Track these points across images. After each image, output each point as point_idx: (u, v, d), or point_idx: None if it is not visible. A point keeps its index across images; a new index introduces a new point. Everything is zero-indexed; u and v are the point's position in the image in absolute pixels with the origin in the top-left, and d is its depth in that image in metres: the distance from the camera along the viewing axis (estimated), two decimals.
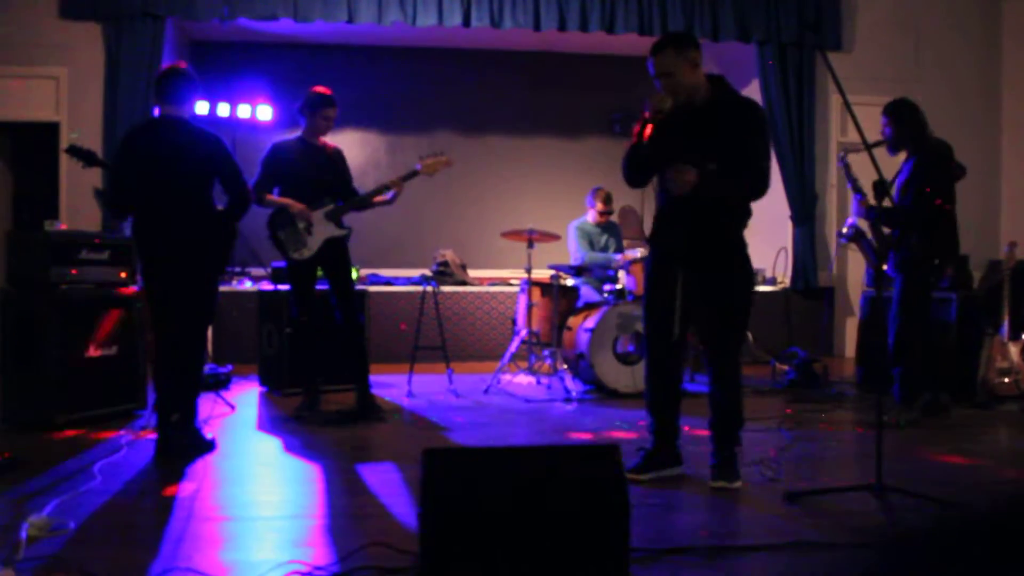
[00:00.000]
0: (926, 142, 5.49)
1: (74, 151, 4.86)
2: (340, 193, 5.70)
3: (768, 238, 8.91)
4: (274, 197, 5.61)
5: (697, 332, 4.16)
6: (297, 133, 5.75)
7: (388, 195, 5.70)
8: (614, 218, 8.01)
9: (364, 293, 6.70)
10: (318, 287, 5.76)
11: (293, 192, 5.59)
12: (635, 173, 4.14)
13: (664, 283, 4.07)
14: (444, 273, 8.93)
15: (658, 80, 3.96)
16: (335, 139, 5.88)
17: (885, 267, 5.52)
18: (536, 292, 7.03)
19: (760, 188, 3.96)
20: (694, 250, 4.01)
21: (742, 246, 4.04)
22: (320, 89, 5.66)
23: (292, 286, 5.74)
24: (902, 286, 5.44)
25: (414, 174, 5.76)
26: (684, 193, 3.85)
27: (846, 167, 5.68)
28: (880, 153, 4.01)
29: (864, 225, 5.63)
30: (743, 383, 4.13)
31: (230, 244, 4.81)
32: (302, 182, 5.59)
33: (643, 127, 3.97)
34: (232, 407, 5.91)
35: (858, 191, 5.55)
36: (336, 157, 5.78)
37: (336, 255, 5.66)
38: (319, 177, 5.64)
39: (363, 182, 6.00)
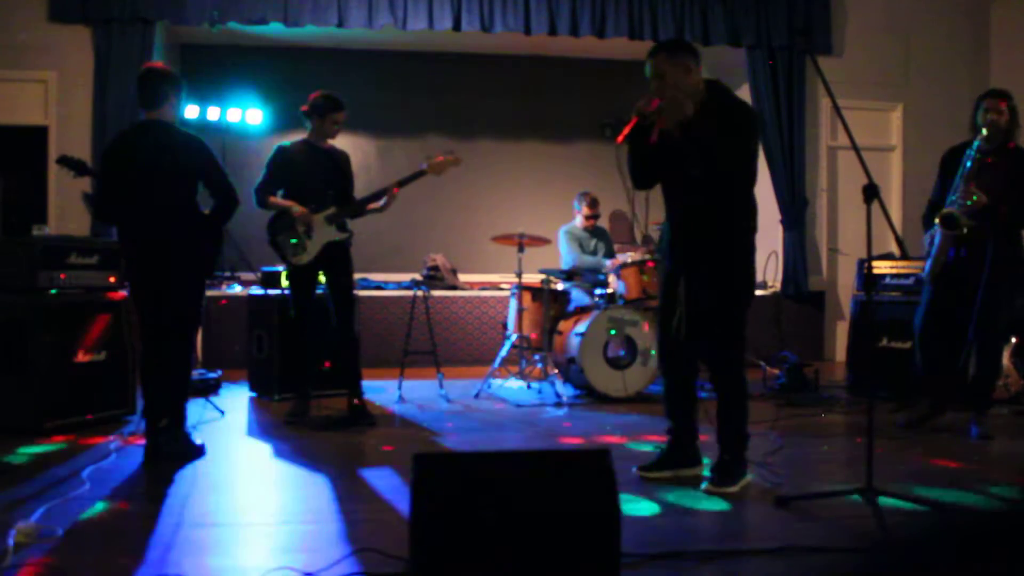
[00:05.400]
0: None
1: (65, 161, 4.84)
2: (344, 197, 5.69)
3: (758, 243, 8.85)
4: (277, 199, 5.59)
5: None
6: (303, 136, 5.71)
7: (380, 202, 5.68)
8: (603, 222, 8.02)
9: (355, 298, 6.67)
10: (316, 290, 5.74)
11: (297, 195, 5.56)
12: (634, 176, 4.19)
13: (672, 288, 4.12)
14: (434, 278, 8.91)
15: (652, 82, 3.99)
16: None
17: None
18: (527, 296, 7.03)
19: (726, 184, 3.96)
20: (692, 254, 4.05)
21: (743, 250, 4.05)
22: (329, 93, 5.62)
23: (291, 289, 5.72)
24: (1008, 292, 5.19)
25: (420, 174, 5.72)
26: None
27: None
28: (869, 157, 3.99)
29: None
30: (747, 388, 4.08)
31: (217, 248, 4.79)
32: (307, 185, 5.56)
33: (632, 129, 4.01)
34: (221, 412, 5.88)
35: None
36: (342, 161, 5.75)
37: (337, 259, 5.63)
38: (324, 180, 5.60)
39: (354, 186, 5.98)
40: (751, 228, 4.07)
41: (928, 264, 5.33)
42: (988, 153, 5.15)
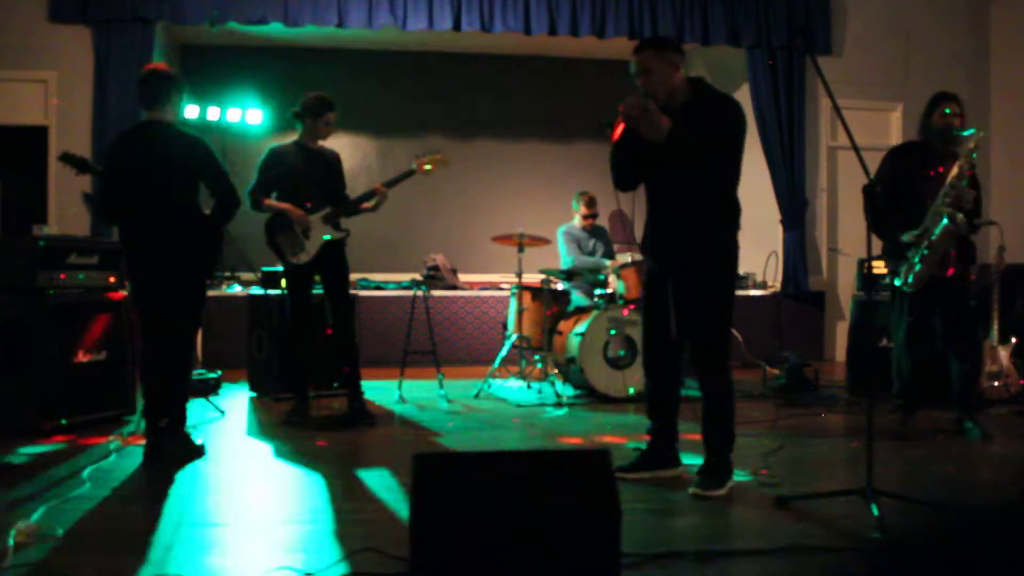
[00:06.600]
0: None
1: (67, 158, 4.84)
2: (336, 197, 5.69)
3: (758, 242, 8.92)
4: (272, 201, 5.60)
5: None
6: (293, 137, 5.73)
7: (371, 202, 5.68)
8: (602, 222, 8.02)
9: (354, 297, 6.67)
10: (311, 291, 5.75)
11: (291, 196, 5.57)
12: (618, 177, 4.16)
13: (656, 286, 4.12)
14: (434, 277, 8.91)
15: (637, 79, 3.99)
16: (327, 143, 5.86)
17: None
18: (527, 296, 7.03)
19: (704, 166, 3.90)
20: (676, 252, 4.04)
21: (727, 249, 4.01)
22: (320, 94, 5.64)
23: (288, 290, 5.72)
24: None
25: (410, 173, 5.77)
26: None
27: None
28: (869, 157, 3.98)
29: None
30: (733, 388, 4.07)
31: (218, 248, 4.79)
32: (300, 186, 5.57)
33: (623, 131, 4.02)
34: (222, 412, 5.88)
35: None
36: (333, 161, 5.77)
37: (333, 258, 5.64)
38: (317, 181, 5.62)
39: (354, 186, 5.98)
40: (734, 227, 4.04)
41: (916, 269, 5.13)
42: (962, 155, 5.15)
